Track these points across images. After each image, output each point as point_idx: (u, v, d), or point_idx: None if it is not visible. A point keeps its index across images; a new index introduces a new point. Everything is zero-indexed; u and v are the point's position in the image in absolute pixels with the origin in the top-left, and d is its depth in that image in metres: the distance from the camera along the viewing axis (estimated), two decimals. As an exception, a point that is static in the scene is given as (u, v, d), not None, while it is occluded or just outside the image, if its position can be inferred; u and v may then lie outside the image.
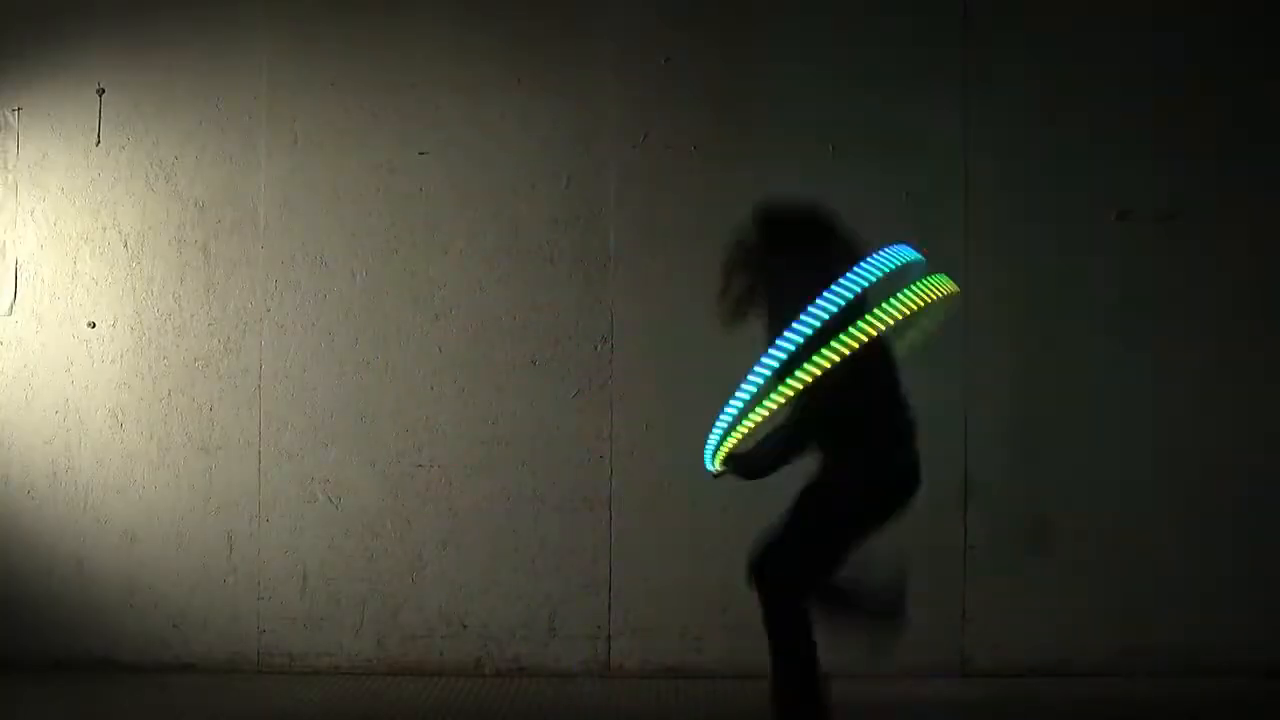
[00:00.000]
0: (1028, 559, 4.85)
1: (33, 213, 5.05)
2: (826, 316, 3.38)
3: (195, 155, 5.01)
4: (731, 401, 3.49)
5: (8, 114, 5.04)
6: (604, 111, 4.93)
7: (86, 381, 5.01)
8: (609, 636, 4.91)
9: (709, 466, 3.68)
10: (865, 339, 3.39)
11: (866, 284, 3.48)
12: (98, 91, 5.02)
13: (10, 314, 5.03)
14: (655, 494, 4.86)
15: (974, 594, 4.84)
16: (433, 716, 4.45)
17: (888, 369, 3.75)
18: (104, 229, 5.02)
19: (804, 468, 3.76)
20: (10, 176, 5.05)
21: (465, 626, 4.93)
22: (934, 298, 3.56)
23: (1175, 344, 4.87)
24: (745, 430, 3.51)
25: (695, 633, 4.85)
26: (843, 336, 3.37)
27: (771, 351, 3.41)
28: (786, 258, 3.74)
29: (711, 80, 4.93)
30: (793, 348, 3.38)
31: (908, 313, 3.51)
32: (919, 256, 3.64)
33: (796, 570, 3.73)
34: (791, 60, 4.92)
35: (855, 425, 3.70)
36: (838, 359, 3.36)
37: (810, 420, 3.62)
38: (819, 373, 3.37)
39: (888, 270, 3.53)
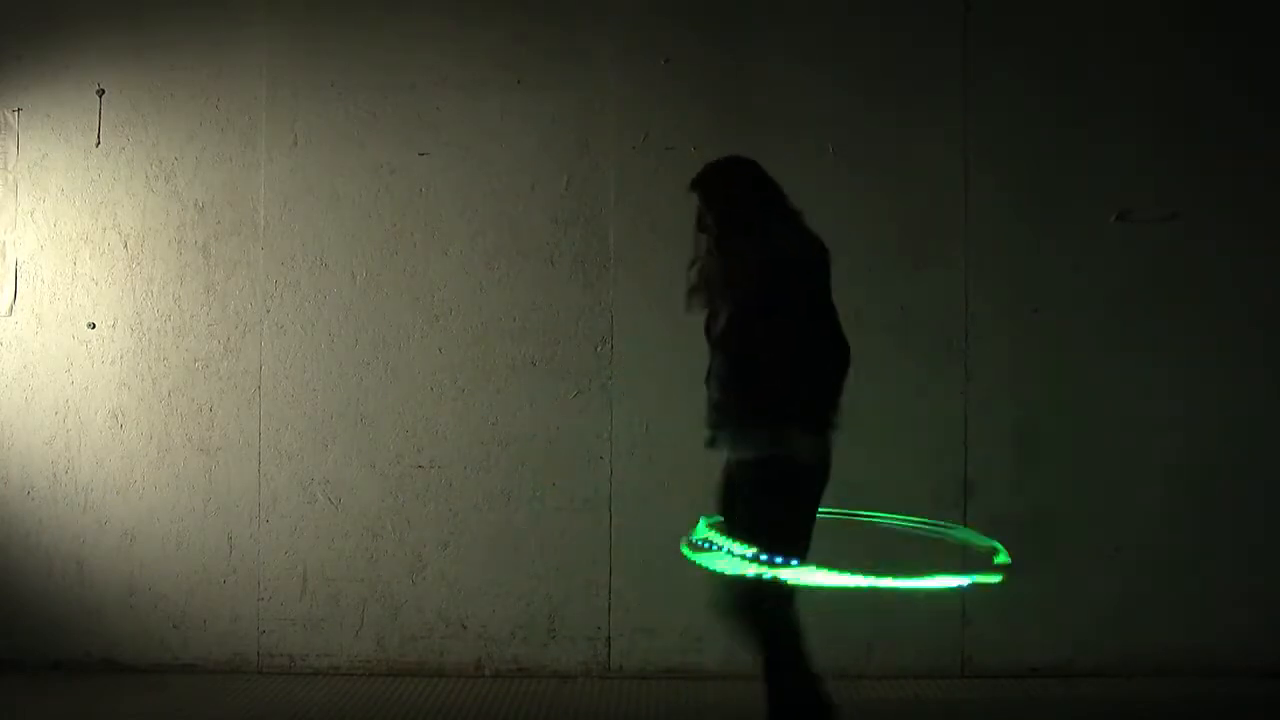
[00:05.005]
0: (1028, 559, 4.85)
1: (33, 213, 5.05)
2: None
3: (195, 156, 5.01)
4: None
5: (8, 114, 5.04)
6: (604, 111, 4.93)
7: (86, 382, 5.01)
8: (609, 637, 4.90)
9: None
10: None
11: None
12: (98, 92, 5.03)
13: (10, 314, 5.03)
14: (655, 494, 4.86)
15: (974, 594, 4.83)
16: (433, 718, 4.44)
17: None
18: (104, 229, 5.03)
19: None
20: (10, 177, 5.05)
21: (465, 627, 4.93)
22: None
23: (1175, 344, 4.86)
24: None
25: (695, 633, 4.84)
26: None
27: None
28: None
29: (711, 80, 4.93)
30: None
31: None
32: None
33: None
34: (791, 60, 4.92)
35: None
36: None
37: None
38: None
39: None
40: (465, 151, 4.97)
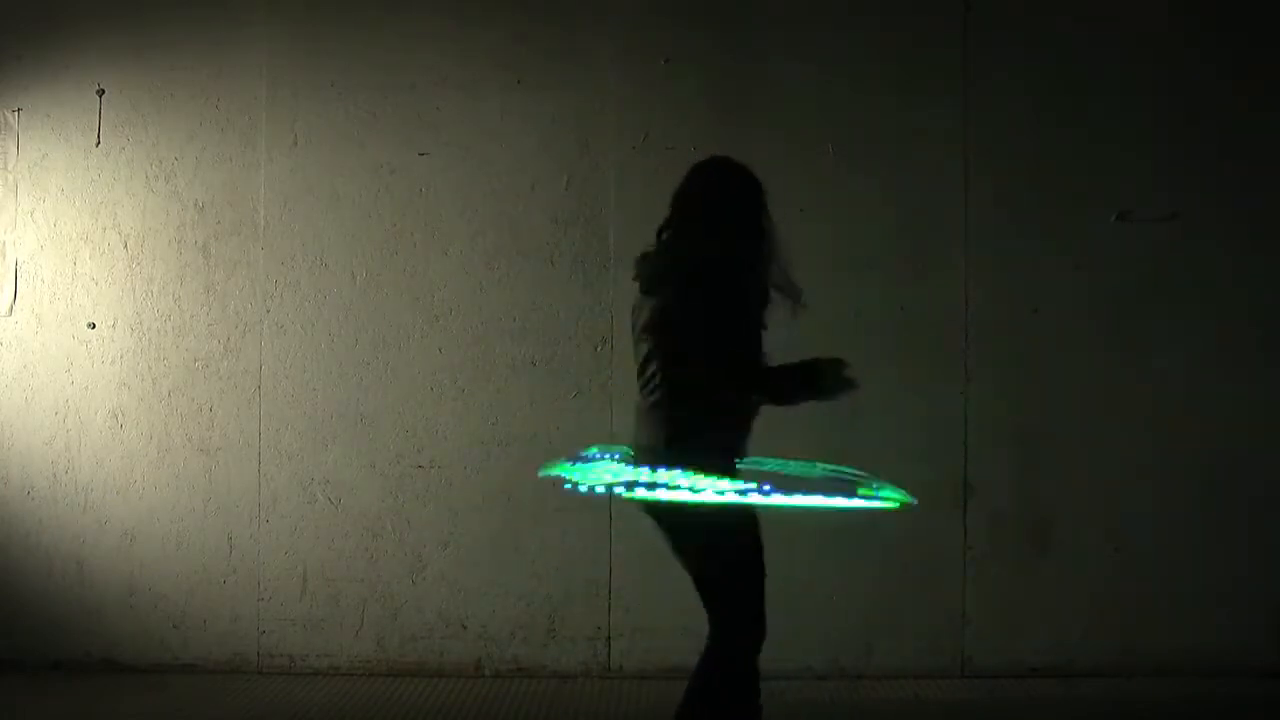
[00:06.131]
0: (1028, 559, 4.86)
1: (33, 213, 5.05)
2: None
3: (195, 156, 5.02)
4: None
5: (8, 114, 5.04)
6: (604, 111, 4.93)
7: (86, 382, 5.01)
8: (609, 637, 4.90)
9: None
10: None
11: None
12: (98, 92, 5.03)
13: (10, 314, 5.03)
14: (655, 494, 4.85)
15: (974, 594, 4.85)
16: (433, 718, 4.44)
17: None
18: (104, 229, 5.03)
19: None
20: (10, 177, 5.05)
21: (465, 627, 4.93)
22: None
23: (1175, 344, 4.87)
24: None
25: (695, 633, 4.82)
26: None
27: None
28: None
29: (711, 80, 4.93)
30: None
31: None
32: None
33: None
34: (791, 60, 4.92)
35: None
36: None
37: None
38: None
39: None
40: (465, 151, 4.97)
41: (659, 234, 3.46)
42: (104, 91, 5.03)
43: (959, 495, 4.85)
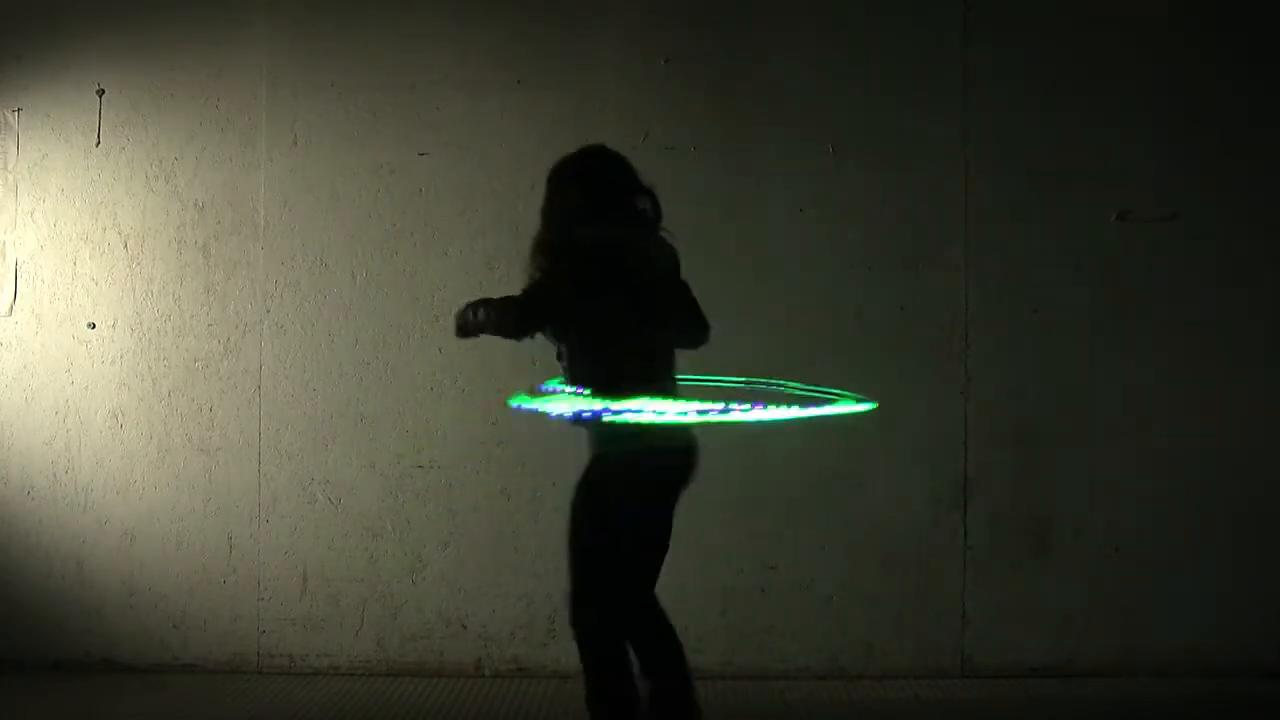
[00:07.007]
0: (1028, 559, 4.86)
1: (33, 213, 5.05)
2: None
3: (195, 156, 5.01)
4: None
5: (8, 114, 5.04)
6: (604, 111, 4.93)
7: (86, 382, 5.01)
8: (609, 637, 4.90)
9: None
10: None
11: None
12: (98, 92, 5.03)
13: (10, 314, 5.03)
14: (655, 494, 4.84)
15: (974, 594, 4.84)
16: (433, 718, 4.44)
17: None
18: (104, 229, 5.03)
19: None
20: (10, 177, 5.05)
21: (465, 627, 4.93)
22: None
23: (1175, 344, 4.86)
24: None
25: (695, 633, 4.81)
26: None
27: None
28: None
29: (711, 80, 4.93)
30: None
31: None
32: None
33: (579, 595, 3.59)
34: (791, 60, 4.92)
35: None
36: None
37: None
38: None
39: None
40: (465, 151, 4.97)
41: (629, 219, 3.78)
42: (104, 91, 5.03)
43: (959, 495, 4.85)
